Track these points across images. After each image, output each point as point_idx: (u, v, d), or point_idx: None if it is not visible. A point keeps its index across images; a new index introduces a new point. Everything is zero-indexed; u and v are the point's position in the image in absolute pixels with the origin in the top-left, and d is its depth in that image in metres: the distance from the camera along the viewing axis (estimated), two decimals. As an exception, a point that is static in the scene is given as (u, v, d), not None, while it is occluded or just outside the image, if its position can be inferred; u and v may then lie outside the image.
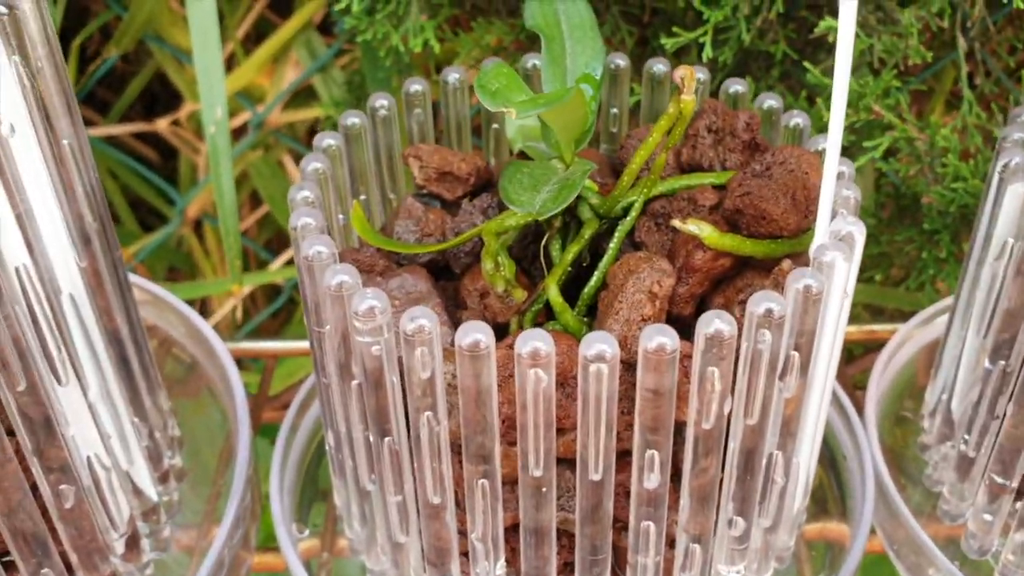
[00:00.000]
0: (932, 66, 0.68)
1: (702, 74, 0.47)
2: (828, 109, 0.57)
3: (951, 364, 0.46)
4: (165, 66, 0.85)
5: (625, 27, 0.67)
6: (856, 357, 0.62)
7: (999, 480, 0.42)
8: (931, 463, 0.48)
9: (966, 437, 0.44)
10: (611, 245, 0.40)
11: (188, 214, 0.88)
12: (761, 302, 0.34)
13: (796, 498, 0.42)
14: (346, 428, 0.40)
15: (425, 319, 0.33)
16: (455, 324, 0.40)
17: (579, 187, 0.36)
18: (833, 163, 0.35)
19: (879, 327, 0.60)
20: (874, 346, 0.61)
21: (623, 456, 0.37)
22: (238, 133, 0.89)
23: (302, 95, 0.86)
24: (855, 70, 0.60)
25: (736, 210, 0.39)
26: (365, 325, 0.34)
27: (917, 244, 0.62)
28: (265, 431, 0.62)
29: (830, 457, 0.50)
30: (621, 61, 0.48)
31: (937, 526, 0.46)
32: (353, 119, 0.44)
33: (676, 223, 0.38)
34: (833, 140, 0.35)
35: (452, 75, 0.47)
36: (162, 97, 0.92)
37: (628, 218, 0.40)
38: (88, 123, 0.91)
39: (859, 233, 0.36)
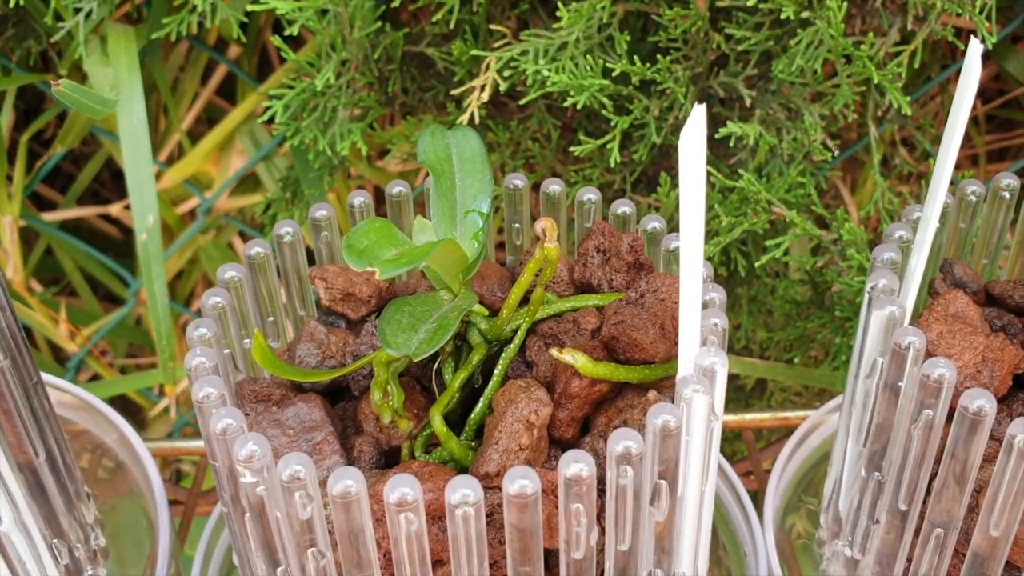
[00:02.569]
0: (848, 150, 0.71)
1: (593, 195, 0.49)
2: (745, 203, 0.60)
3: (839, 464, 0.48)
4: (114, 154, 0.87)
5: (550, 120, 0.70)
6: (772, 442, 0.64)
7: (880, 583, 0.44)
8: (824, 559, 0.50)
9: (850, 538, 0.46)
10: (495, 372, 0.42)
11: (143, 295, 0.90)
12: (619, 440, 0.36)
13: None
14: (246, 553, 0.41)
15: (300, 465, 0.35)
16: (349, 451, 0.42)
17: (453, 327, 0.38)
18: (692, 295, 0.37)
19: (792, 414, 0.62)
20: (789, 431, 0.63)
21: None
22: (189, 218, 0.91)
23: (249, 181, 0.88)
24: (764, 166, 0.63)
25: (612, 337, 0.41)
26: (246, 468, 0.36)
27: (831, 329, 0.64)
28: (200, 524, 0.64)
29: (734, 553, 0.52)
30: (519, 182, 0.50)
31: (832, 622, 0.48)
32: (257, 248, 0.46)
33: (553, 353, 0.40)
34: (690, 272, 0.37)
35: (357, 199, 0.49)
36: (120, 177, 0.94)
37: (512, 345, 0.42)
38: (49, 205, 0.94)
39: (721, 366, 0.38)
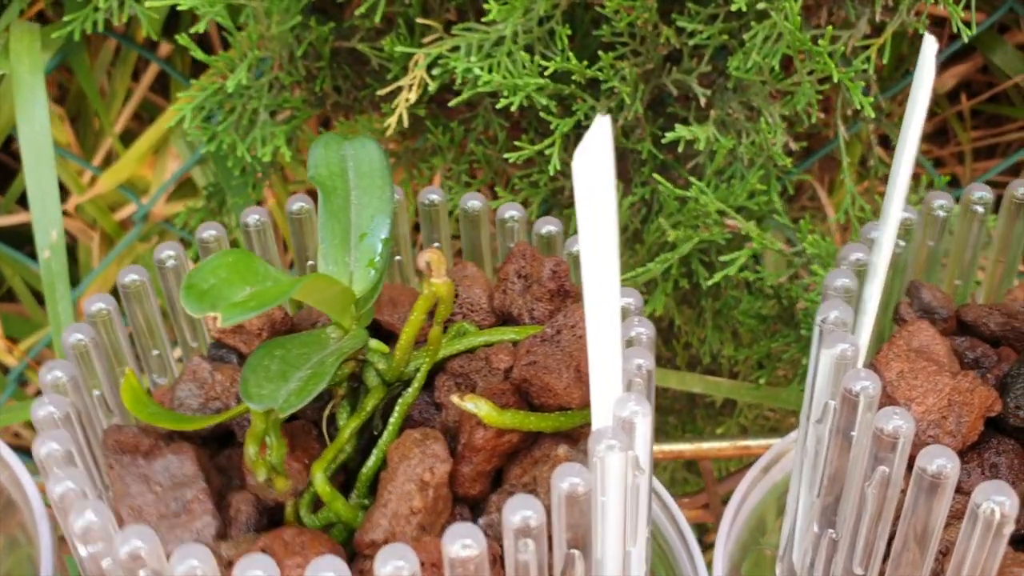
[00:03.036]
0: (817, 153, 0.65)
1: (516, 212, 0.44)
2: (704, 221, 0.54)
3: (793, 510, 0.43)
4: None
5: (496, 120, 0.64)
6: (733, 472, 0.59)
7: (835, 651, 0.39)
8: (781, 615, 0.44)
9: (806, 598, 0.41)
10: (391, 420, 0.37)
11: (81, 305, 0.85)
12: (516, 510, 0.30)
13: None
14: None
15: (140, 541, 0.30)
16: (225, 510, 0.37)
17: (329, 374, 0.33)
18: (604, 334, 0.32)
19: (754, 442, 0.57)
20: (750, 463, 0.58)
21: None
22: (126, 225, 0.86)
23: (188, 186, 0.83)
24: (724, 170, 0.57)
25: (523, 379, 0.36)
26: (82, 543, 0.31)
27: (798, 348, 0.59)
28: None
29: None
30: (435, 196, 0.45)
31: None
32: (132, 276, 0.41)
33: (454, 400, 0.35)
34: (599, 310, 0.32)
35: (252, 217, 0.44)
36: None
37: (410, 389, 0.37)
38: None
39: (643, 416, 0.33)
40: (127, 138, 0.83)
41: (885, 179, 0.74)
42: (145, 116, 0.87)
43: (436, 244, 0.46)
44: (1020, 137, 0.82)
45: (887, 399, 0.37)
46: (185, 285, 0.29)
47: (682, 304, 0.69)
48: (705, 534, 0.67)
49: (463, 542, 0.29)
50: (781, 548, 0.45)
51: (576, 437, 0.37)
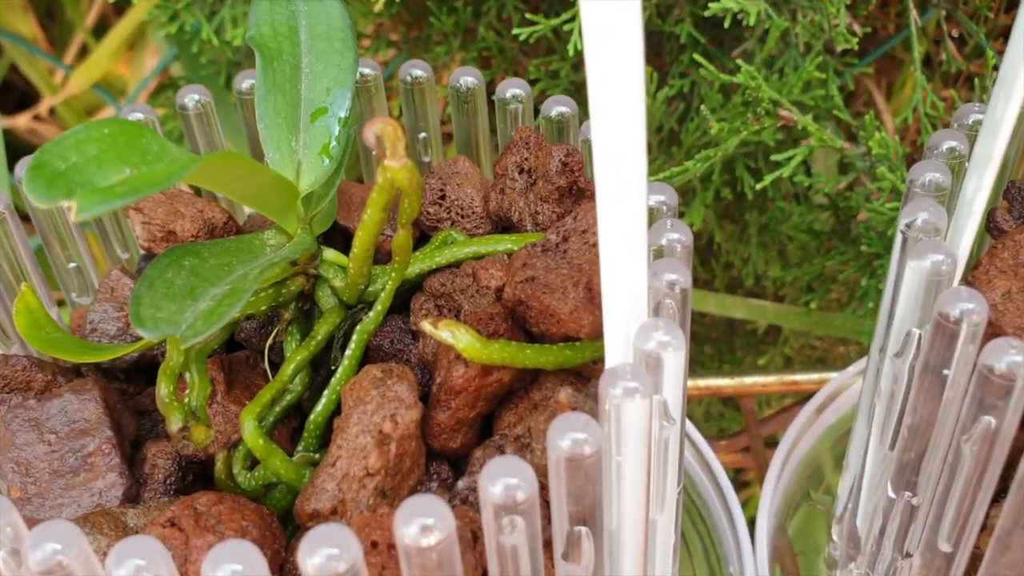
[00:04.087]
0: (883, 45, 0.56)
1: (519, 90, 0.35)
2: (750, 106, 0.46)
3: (858, 464, 0.35)
4: (16, 59, 0.74)
5: (512, 3, 0.55)
6: (778, 411, 0.50)
7: (910, 639, 0.31)
8: (837, 587, 0.37)
9: (870, 571, 0.33)
10: (347, 353, 0.29)
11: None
12: (496, 478, 0.22)
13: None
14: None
15: (58, 543, 0.22)
16: (139, 465, 0.29)
17: (247, 293, 0.24)
18: (623, 237, 0.24)
19: (802, 377, 0.48)
20: (801, 397, 0.50)
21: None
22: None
23: (170, 84, 0.75)
24: (775, 59, 0.48)
25: (519, 301, 0.28)
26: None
27: (856, 267, 0.50)
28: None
29: (719, 570, 0.39)
30: (420, 71, 0.36)
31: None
32: (35, 169, 0.32)
33: (425, 327, 0.27)
34: (614, 199, 0.23)
35: (189, 97, 0.35)
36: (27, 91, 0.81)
37: (371, 313, 0.29)
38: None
39: (674, 349, 0.25)
40: (100, 34, 0.74)
41: (955, 79, 0.65)
42: (120, 10, 0.78)
43: (423, 135, 0.37)
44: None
45: (991, 328, 0.29)
46: (32, 164, 0.21)
47: (723, 218, 0.60)
48: (744, 485, 0.60)
49: (422, 522, 0.21)
50: (839, 507, 0.37)
51: (587, 376, 0.29)
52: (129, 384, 0.32)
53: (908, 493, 0.30)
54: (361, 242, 0.27)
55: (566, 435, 0.23)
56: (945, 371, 0.27)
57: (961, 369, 0.27)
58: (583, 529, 0.25)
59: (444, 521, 0.22)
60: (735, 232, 0.60)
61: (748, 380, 0.49)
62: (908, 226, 0.29)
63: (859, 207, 0.48)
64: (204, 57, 0.52)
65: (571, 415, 0.23)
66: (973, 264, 0.31)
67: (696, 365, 0.63)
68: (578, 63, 0.53)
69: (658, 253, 0.28)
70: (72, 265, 0.35)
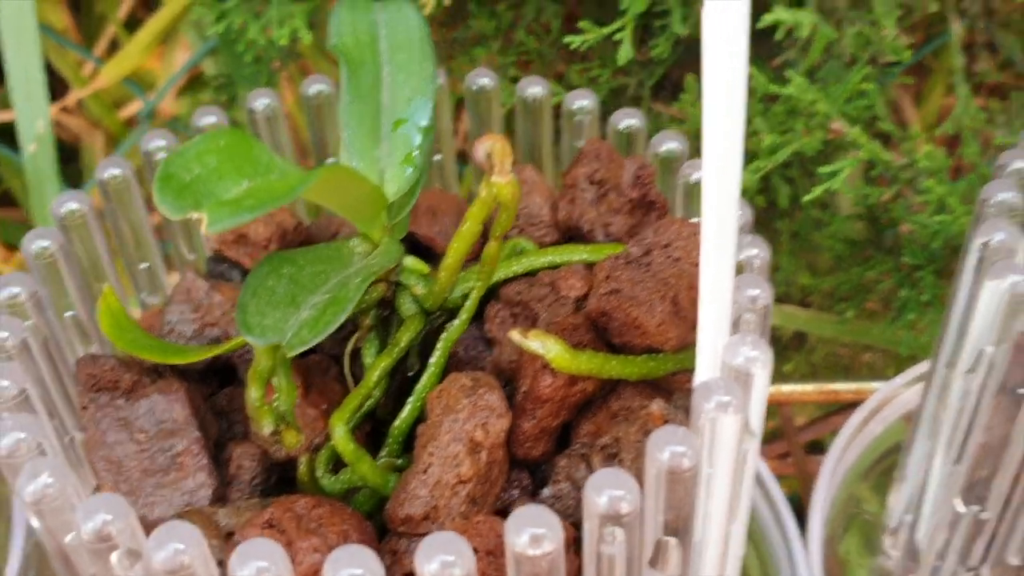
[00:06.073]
0: (920, 52, 0.56)
1: (587, 101, 0.35)
2: (792, 116, 0.46)
3: (917, 477, 0.36)
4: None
5: (551, 6, 0.56)
6: (816, 419, 0.51)
7: (972, 652, 0.32)
8: (891, 597, 0.37)
9: (931, 583, 0.34)
10: (432, 361, 0.29)
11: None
12: (603, 490, 0.23)
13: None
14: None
15: (109, 514, 0.23)
16: (224, 465, 0.29)
17: (353, 301, 0.25)
18: (720, 254, 0.24)
19: (842, 386, 0.49)
20: (835, 408, 0.51)
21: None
22: (132, 124, 0.78)
23: (200, 80, 0.75)
24: (816, 70, 0.49)
25: (602, 312, 0.28)
26: (36, 512, 0.24)
27: (896, 279, 0.51)
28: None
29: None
30: (486, 80, 0.36)
31: None
32: (114, 171, 0.33)
33: (514, 337, 0.27)
34: (718, 219, 0.24)
35: (260, 100, 0.36)
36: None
37: (457, 321, 0.29)
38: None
39: (761, 365, 0.25)
40: (132, 27, 0.74)
41: (993, 90, 0.65)
42: (152, 3, 0.79)
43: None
44: None
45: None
46: (160, 175, 0.22)
47: (755, 227, 0.60)
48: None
49: (533, 532, 0.22)
50: (894, 519, 0.38)
51: (665, 388, 0.29)
52: (203, 385, 0.32)
53: (977, 507, 0.30)
54: (456, 252, 0.28)
55: (666, 448, 0.23)
56: (1022, 390, 0.27)
57: (1040, 388, 0.27)
58: (671, 540, 0.25)
59: (554, 531, 0.22)
60: (766, 239, 0.60)
61: (786, 388, 0.49)
62: (985, 245, 0.29)
63: (902, 218, 0.48)
64: (248, 56, 0.52)
65: (671, 428, 0.24)
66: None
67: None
68: (617, 70, 0.54)
69: (738, 269, 0.29)
70: (143, 265, 0.35)
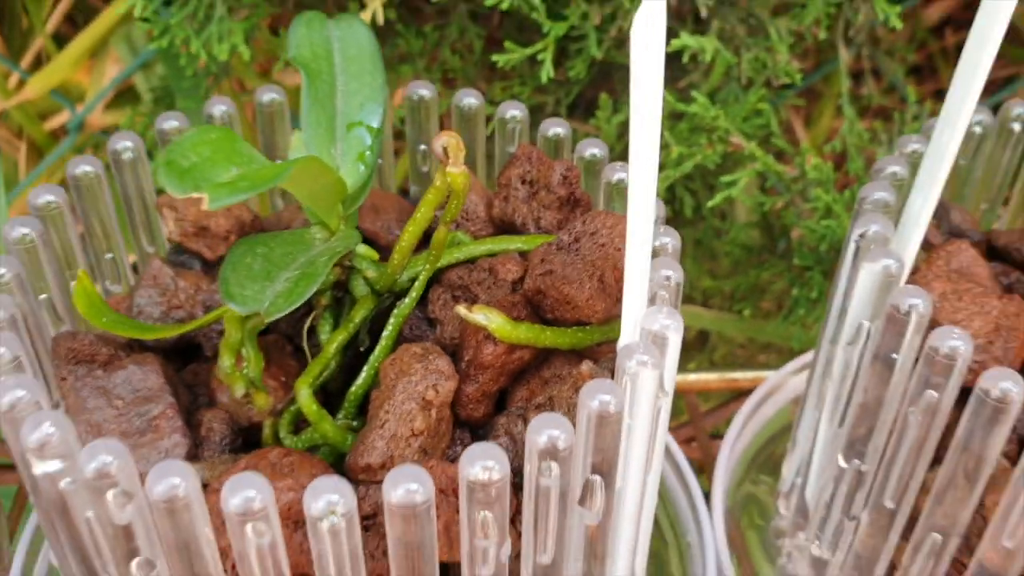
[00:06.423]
0: (811, 76, 0.62)
1: (518, 111, 0.40)
2: (696, 132, 0.51)
3: (805, 444, 0.40)
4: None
5: (473, 28, 0.60)
6: (716, 407, 0.56)
7: (854, 592, 0.36)
8: (785, 552, 0.42)
9: (819, 535, 0.38)
10: (384, 334, 0.33)
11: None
12: (543, 430, 0.27)
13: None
14: (61, 559, 0.32)
15: (110, 455, 0.26)
16: (196, 428, 0.32)
17: (321, 275, 0.28)
18: (642, 238, 0.28)
19: (741, 375, 0.54)
20: (735, 396, 0.55)
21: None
22: (58, 136, 0.80)
23: (128, 93, 0.77)
24: (718, 91, 0.54)
25: (537, 290, 0.32)
26: (39, 458, 0.27)
27: (787, 279, 0.56)
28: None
29: (675, 540, 0.44)
30: (425, 91, 0.40)
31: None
32: (84, 167, 0.36)
33: (461, 311, 0.31)
34: (641, 209, 0.28)
35: (218, 107, 0.39)
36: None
37: (407, 299, 0.33)
38: None
39: (674, 330, 0.30)
40: (60, 41, 0.76)
41: (877, 112, 0.71)
42: (80, 20, 0.80)
43: (422, 147, 0.42)
44: (1003, 75, 0.80)
45: (933, 324, 0.34)
46: (164, 161, 0.25)
47: (658, 234, 0.65)
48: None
49: (484, 463, 0.26)
50: (786, 483, 0.42)
51: (591, 357, 0.33)
52: (171, 362, 0.35)
53: (857, 462, 0.35)
54: (409, 235, 0.32)
55: (596, 396, 0.28)
56: (894, 355, 0.32)
57: (908, 354, 0.32)
58: (598, 478, 0.29)
59: (502, 463, 0.26)
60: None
61: (691, 377, 0.54)
62: (862, 236, 0.34)
63: (792, 224, 0.53)
64: (189, 69, 0.55)
65: (600, 381, 0.28)
66: (911, 271, 0.37)
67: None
68: (537, 88, 0.58)
69: (654, 253, 0.33)
70: (108, 256, 0.38)
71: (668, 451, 0.45)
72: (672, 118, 0.55)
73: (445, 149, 0.29)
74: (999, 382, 0.29)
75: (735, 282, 0.59)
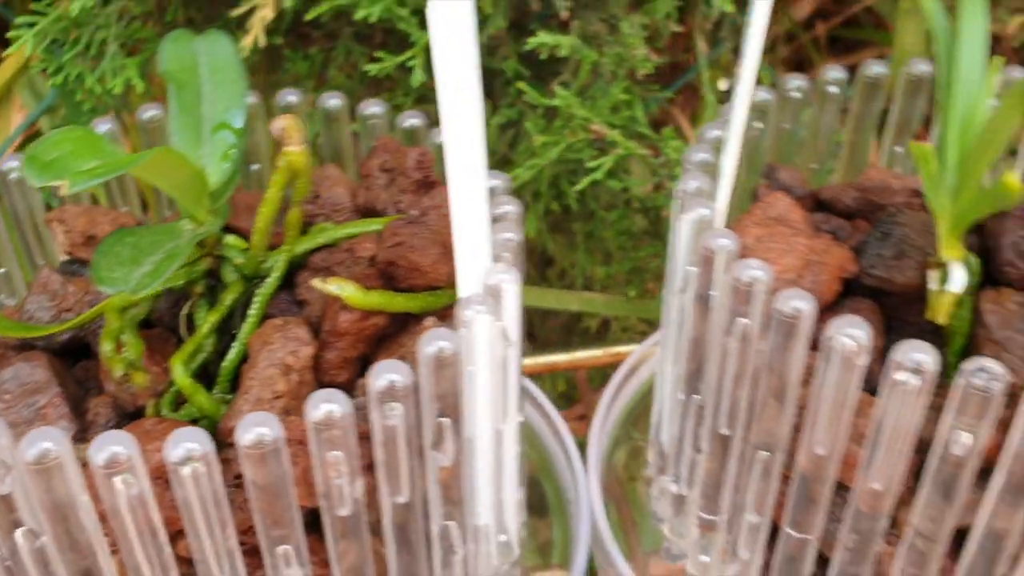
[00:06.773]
0: (682, 77, 0.66)
1: (378, 108, 0.43)
2: (570, 127, 0.55)
3: (663, 396, 0.44)
4: None
5: (358, 48, 0.63)
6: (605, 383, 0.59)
7: (707, 517, 0.40)
8: (652, 497, 0.45)
9: (676, 472, 0.42)
10: (250, 312, 0.36)
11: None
12: (381, 374, 0.30)
13: (493, 558, 0.39)
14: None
15: (-10, 428, 0.29)
16: (83, 415, 0.35)
17: (182, 256, 0.32)
18: (467, 198, 0.32)
19: (625, 348, 0.57)
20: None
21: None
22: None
23: (36, 137, 0.79)
24: (588, 87, 0.58)
25: (389, 261, 0.36)
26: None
27: (663, 258, 0.60)
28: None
29: (557, 501, 0.47)
30: (293, 97, 0.44)
31: (667, 567, 0.44)
32: (-27, 186, 0.39)
33: (316, 283, 0.34)
34: (462, 168, 0.31)
35: (102, 126, 0.42)
36: None
37: (269, 279, 0.36)
38: None
39: (510, 283, 0.33)
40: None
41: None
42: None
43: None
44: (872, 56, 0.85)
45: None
46: (27, 157, 0.28)
47: (554, 231, 0.69)
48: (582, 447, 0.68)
49: (328, 405, 0.29)
50: (652, 431, 0.46)
51: (444, 319, 0.36)
52: (62, 360, 0.38)
53: (695, 396, 0.38)
54: (263, 216, 0.35)
55: (433, 343, 0.31)
56: (710, 293, 0.36)
57: (722, 289, 0.36)
58: (447, 420, 0.32)
59: (343, 402, 0.29)
60: (565, 242, 0.69)
61: (580, 354, 0.57)
62: (684, 192, 0.38)
63: (663, 206, 0.57)
64: (86, 104, 0.58)
65: (438, 329, 0.31)
66: (734, 222, 0.40)
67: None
68: (418, 97, 0.62)
69: (495, 221, 0.37)
70: (1, 270, 0.41)
71: (549, 419, 0.48)
72: (548, 117, 0.59)
73: (283, 130, 0.32)
74: (790, 301, 0.32)
75: (622, 267, 0.63)
